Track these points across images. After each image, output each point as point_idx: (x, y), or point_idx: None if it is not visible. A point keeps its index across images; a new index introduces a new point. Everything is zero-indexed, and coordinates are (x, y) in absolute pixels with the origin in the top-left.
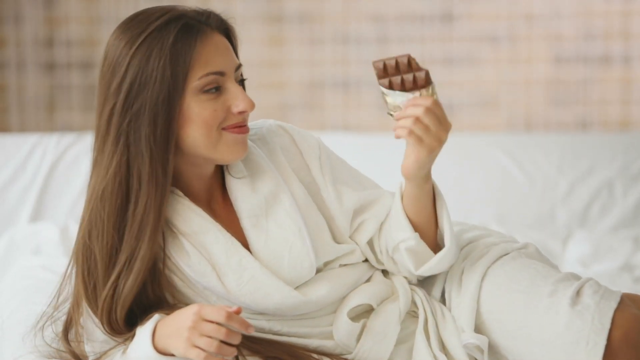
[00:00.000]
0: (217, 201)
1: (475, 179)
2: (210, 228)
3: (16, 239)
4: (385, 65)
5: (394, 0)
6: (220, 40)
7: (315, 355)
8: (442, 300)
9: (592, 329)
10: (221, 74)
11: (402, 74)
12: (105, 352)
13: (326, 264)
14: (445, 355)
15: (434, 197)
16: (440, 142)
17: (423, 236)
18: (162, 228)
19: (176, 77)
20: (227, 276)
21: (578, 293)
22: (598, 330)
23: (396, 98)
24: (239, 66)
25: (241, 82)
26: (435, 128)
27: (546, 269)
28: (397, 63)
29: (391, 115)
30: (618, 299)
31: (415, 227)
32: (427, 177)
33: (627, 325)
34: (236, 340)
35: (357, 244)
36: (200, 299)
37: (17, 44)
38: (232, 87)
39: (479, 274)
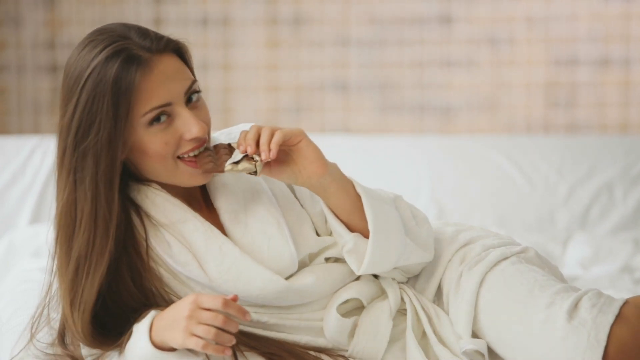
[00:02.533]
0: (197, 201)
1: (475, 182)
2: (189, 217)
3: (16, 241)
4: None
5: (392, 3)
6: (166, 65)
7: (312, 353)
8: (436, 302)
9: (588, 346)
10: (167, 105)
11: (223, 152)
12: (102, 354)
13: (311, 258)
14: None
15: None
16: (301, 132)
17: (367, 230)
18: (110, 258)
19: (119, 119)
20: (208, 264)
21: (576, 306)
22: (594, 347)
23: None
24: (190, 85)
25: (198, 93)
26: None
27: (545, 277)
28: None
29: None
30: (617, 312)
31: (355, 227)
32: (333, 172)
33: (623, 341)
34: (234, 328)
35: None
36: (186, 289)
37: (18, 46)
38: (182, 113)
39: (477, 280)
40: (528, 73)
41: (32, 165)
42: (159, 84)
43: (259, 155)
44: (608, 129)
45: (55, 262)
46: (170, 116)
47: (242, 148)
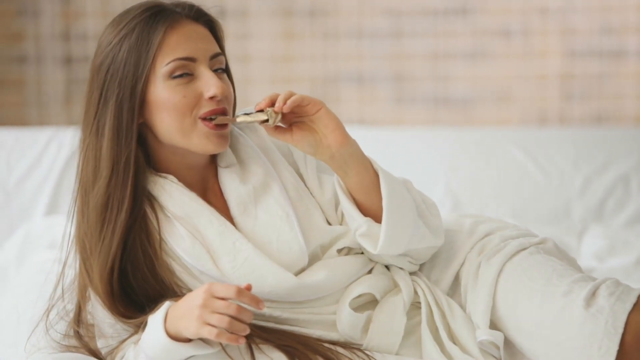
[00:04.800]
0: (213, 191)
1: (490, 174)
2: (204, 212)
3: (32, 232)
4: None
5: None
6: (195, 28)
7: (326, 344)
8: (452, 294)
9: (605, 334)
10: (191, 59)
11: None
12: (117, 346)
13: (323, 250)
14: (456, 345)
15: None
16: (320, 101)
17: (381, 213)
18: (138, 209)
19: (140, 63)
20: (221, 259)
21: (594, 294)
22: (611, 335)
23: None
24: (217, 54)
25: (224, 71)
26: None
27: (564, 266)
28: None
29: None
30: (634, 300)
31: (369, 208)
32: (353, 145)
33: None
34: (247, 317)
35: None
36: (198, 283)
37: (36, 38)
38: (204, 73)
39: (496, 269)
40: (543, 65)
41: (48, 157)
42: (186, 39)
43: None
44: (623, 120)
45: (75, 220)
46: (192, 75)
47: (257, 106)
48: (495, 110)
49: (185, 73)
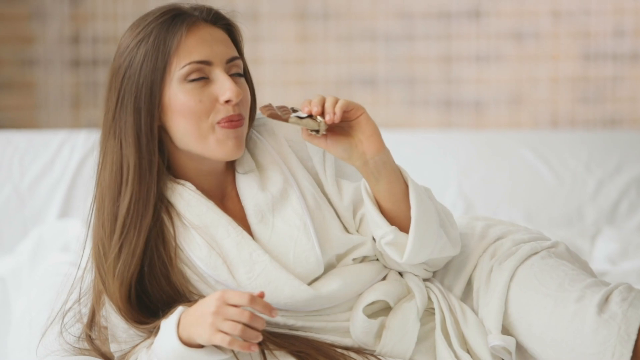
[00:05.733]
0: (230, 197)
1: (503, 177)
2: (221, 222)
3: (45, 235)
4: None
5: None
6: (213, 32)
7: (339, 350)
8: (464, 298)
9: (618, 339)
10: (207, 63)
11: (285, 110)
12: (130, 350)
13: (339, 258)
14: (469, 353)
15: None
16: (362, 106)
17: (408, 221)
18: (158, 216)
19: (157, 66)
20: (238, 270)
21: (607, 300)
22: (624, 341)
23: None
24: (234, 58)
25: (241, 76)
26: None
27: (576, 271)
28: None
29: (315, 125)
30: None
31: (396, 217)
32: (387, 154)
33: None
34: (260, 324)
35: None
36: (213, 292)
37: (45, 41)
38: (219, 77)
39: (508, 274)
40: (555, 67)
41: (61, 160)
42: (203, 42)
43: (323, 117)
44: (637, 123)
45: (93, 228)
46: (208, 79)
47: (306, 109)
48: (508, 112)
49: (201, 77)
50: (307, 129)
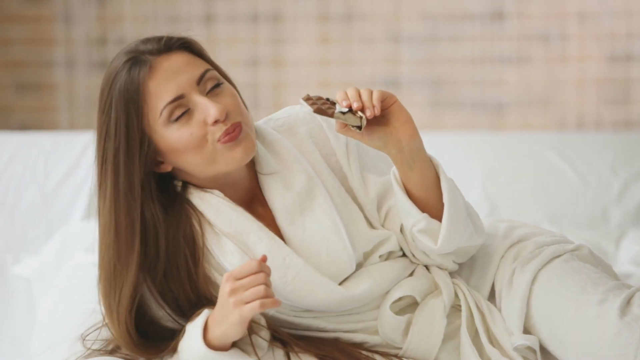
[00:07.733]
0: (258, 199)
1: (527, 179)
2: (253, 228)
3: (69, 236)
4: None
5: None
6: (172, 62)
7: (364, 352)
8: (491, 300)
9: None
10: (180, 97)
11: (324, 102)
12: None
13: (366, 256)
14: (496, 348)
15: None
16: (393, 94)
17: (438, 209)
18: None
19: (131, 125)
20: (272, 275)
21: (629, 302)
22: None
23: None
24: (202, 74)
25: (219, 84)
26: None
27: (598, 274)
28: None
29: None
30: None
31: (426, 204)
32: (420, 140)
33: None
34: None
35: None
36: None
37: (68, 43)
38: (198, 102)
39: (530, 276)
40: (581, 69)
41: (86, 161)
42: (166, 81)
43: (363, 112)
44: None
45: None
46: (188, 109)
47: (346, 103)
48: (533, 114)
49: (182, 112)
50: (350, 125)
